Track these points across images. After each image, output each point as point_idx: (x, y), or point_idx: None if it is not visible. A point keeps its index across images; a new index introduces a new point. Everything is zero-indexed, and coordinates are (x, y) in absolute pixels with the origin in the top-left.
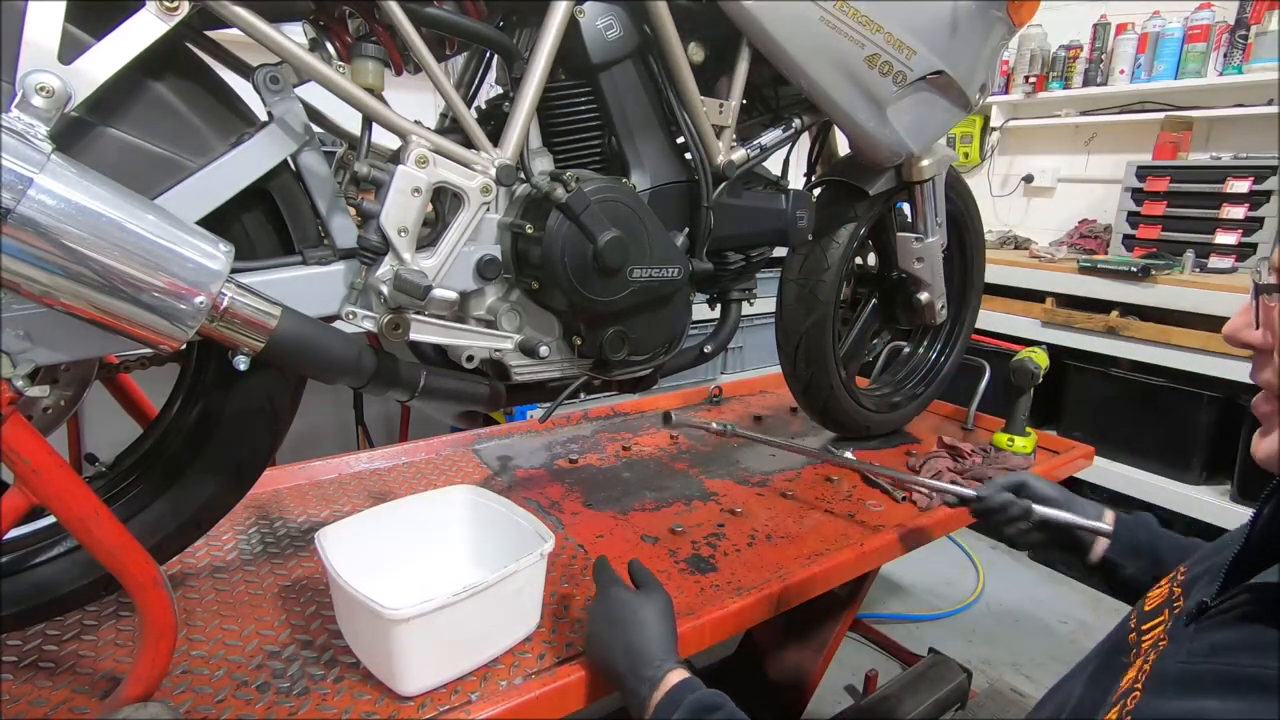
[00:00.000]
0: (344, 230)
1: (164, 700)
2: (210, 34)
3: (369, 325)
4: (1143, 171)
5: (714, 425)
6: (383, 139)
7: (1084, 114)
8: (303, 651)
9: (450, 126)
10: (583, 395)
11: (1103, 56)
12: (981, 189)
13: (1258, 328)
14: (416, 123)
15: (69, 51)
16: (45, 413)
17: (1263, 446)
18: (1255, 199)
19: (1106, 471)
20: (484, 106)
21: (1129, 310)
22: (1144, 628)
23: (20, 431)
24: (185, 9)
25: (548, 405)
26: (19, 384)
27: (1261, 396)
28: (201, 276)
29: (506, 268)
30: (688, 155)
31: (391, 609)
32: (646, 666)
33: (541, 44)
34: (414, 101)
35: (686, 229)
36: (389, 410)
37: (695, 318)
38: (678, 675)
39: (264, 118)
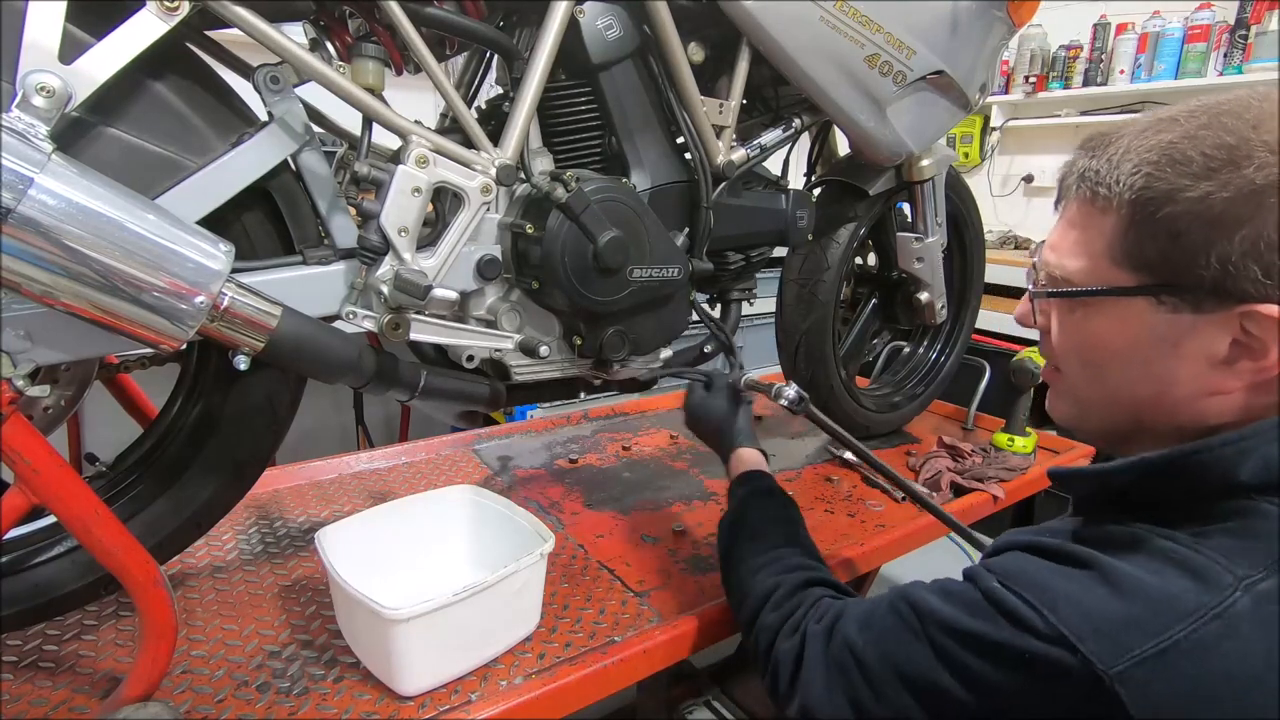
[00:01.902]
0: (344, 230)
1: (164, 700)
2: (210, 34)
3: (369, 325)
4: None
5: (789, 392)
6: (383, 139)
7: (1084, 114)
8: (303, 651)
9: (450, 126)
10: (583, 395)
11: (1103, 56)
12: (981, 189)
13: (1034, 322)
14: (416, 123)
15: (69, 51)
16: (45, 413)
17: (1053, 408)
18: None
19: None
20: (484, 106)
21: None
22: None
23: (20, 431)
24: (185, 9)
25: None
26: (19, 384)
27: (1048, 367)
28: (202, 276)
29: (506, 268)
30: (688, 155)
31: (391, 609)
32: (734, 435)
33: (541, 44)
34: (414, 101)
35: (686, 229)
36: (389, 410)
37: (695, 318)
38: (754, 453)
39: (264, 118)
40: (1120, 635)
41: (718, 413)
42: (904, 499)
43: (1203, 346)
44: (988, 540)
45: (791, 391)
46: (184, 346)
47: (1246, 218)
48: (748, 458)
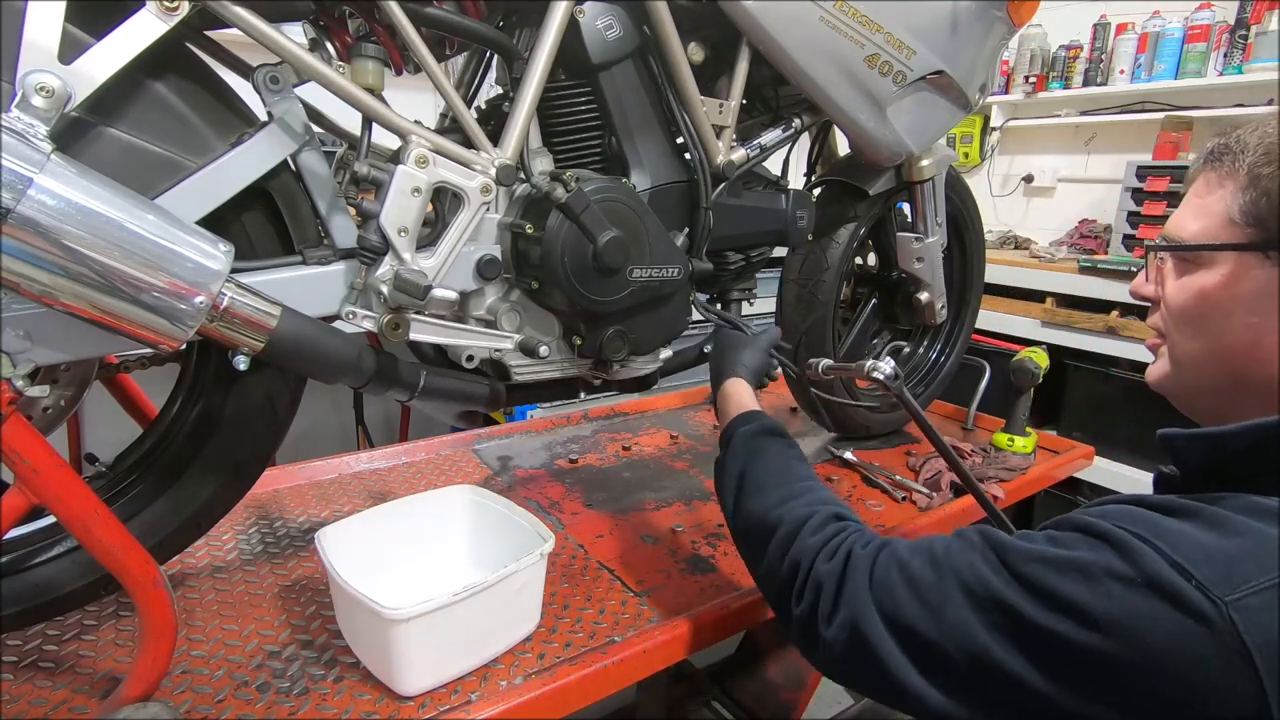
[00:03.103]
0: (344, 230)
1: (164, 700)
2: (210, 34)
3: (369, 325)
4: (1143, 171)
5: (885, 368)
6: (383, 139)
7: (1084, 114)
8: (303, 651)
9: (450, 126)
10: (582, 395)
11: (1103, 56)
12: (981, 189)
13: (1148, 280)
14: (416, 123)
15: (69, 51)
16: (45, 413)
17: (1150, 372)
18: None
19: (1106, 471)
20: (484, 106)
21: (1129, 310)
22: None
23: (20, 431)
24: (185, 9)
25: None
26: (19, 384)
27: (1155, 338)
28: (201, 276)
29: (506, 268)
30: (688, 155)
31: (391, 609)
32: (729, 368)
33: (541, 44)
34: (414, 101)
35: (686, 229)
36: (389, 410)
37: (695, 317)
38: (743, 385)
39: (264, 118)
40: (1235, 568)
41: (726, 351)
42: (904, 499)
43: None
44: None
45: (888, 367)
46: (183, 346)
47: None
48: (744, 395)
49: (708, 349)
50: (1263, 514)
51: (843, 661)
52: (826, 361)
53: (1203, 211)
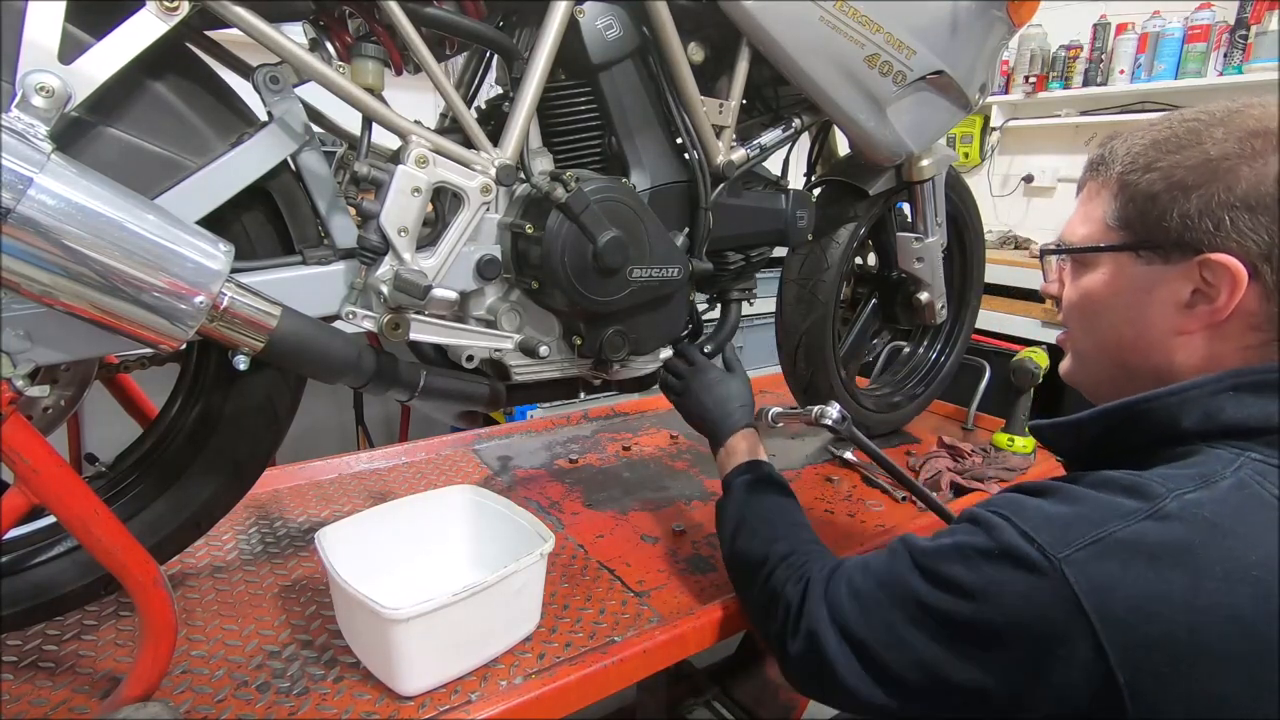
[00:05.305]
0: (344, 230)
1: (164, 700)
2: (210, 34)
3: (369, 325)
4: None
5: (833, 413)
6: (383, 139)
7: (1084, 114)
8: (303, 651)
9: (450, 126)
10: (582, 395)
11: (1103, 56)
12: (981, 189)
13: (1046, 281)
14: (416, 123)
15: (69, 51)
16: (45, 413)
17: (1061, 366)
18: None
19: None
20: (484, 106)
21: None
22: None
23: (20, 431)
24: (185, 9)
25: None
26: (19, 384)
27: (1062, 333)
28: (201, 276)
29: (506, 268)
30: (687, 155)
31: (391, 609)
32: (729, 420)
33: (541, 44)
34: (414, 101)
35: (686, 229)
36: (389, 410)
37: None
38: (750, 437)
39: (264, 118)
40: (1068, 530)
41: (712, 395)
42: (904, 499)
43: (1171, 293)
44: None
45: (835, 412)
46: (184, 346)
47: (1202, 182)
48: (745, 445)
49: (707, 349)
50: (1107, 485)
51: (807, 669)
52: (776, 409)
53: (1087, 218)
